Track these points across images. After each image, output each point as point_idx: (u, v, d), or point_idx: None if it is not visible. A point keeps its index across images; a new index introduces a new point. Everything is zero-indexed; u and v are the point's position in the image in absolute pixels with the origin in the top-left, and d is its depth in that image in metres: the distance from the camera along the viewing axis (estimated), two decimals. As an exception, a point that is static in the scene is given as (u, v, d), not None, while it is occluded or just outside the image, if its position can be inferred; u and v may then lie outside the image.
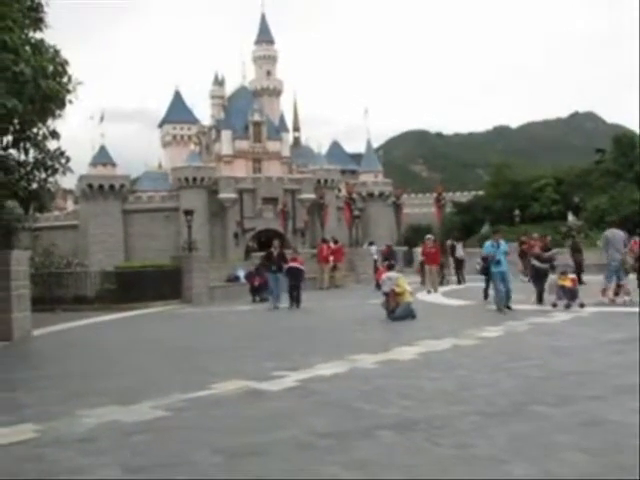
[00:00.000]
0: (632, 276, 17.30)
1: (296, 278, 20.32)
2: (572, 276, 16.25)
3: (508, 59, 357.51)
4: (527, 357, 9.48)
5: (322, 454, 5.29)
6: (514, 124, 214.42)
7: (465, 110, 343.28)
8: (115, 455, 5.47)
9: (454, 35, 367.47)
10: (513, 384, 7.68)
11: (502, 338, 11.57)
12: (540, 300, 16.91)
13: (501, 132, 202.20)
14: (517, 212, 59.97)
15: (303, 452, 5.37)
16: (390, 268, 17.32)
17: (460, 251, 29.84)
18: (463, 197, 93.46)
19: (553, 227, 53.94)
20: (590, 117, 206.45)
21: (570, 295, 15.78)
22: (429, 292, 23.08)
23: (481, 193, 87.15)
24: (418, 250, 33.32)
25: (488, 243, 16.96)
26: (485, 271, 17.28)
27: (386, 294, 15.46)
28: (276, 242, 22.34)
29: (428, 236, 26.30)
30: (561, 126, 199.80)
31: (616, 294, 16.66)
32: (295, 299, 20.20)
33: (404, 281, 15.98)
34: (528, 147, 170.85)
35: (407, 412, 6.56)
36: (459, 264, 29.18)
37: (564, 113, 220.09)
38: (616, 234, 16.93)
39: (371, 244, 40.57)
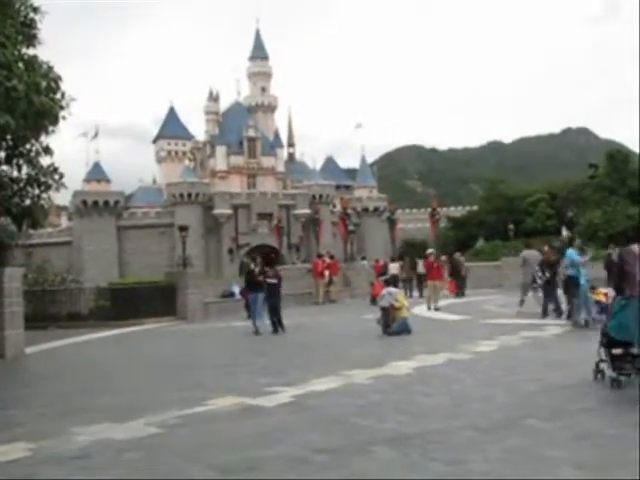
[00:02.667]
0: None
1: (272, 294, 17.78)
2: (605, 290, 15.28)
3: (502, 75, 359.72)
4: (521, 371, 9.48)
5: (318, 470, 5.26)
6: (507, 139, 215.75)
7: (459, 126, 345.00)
8: (110, 473, 5.43)
9: (448, 52, 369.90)
10: (508, 398, 7.67)
11: (496, 352, 11.56)
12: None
13: (495, 147, 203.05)
14: (511, 227, 60.01)
15: (299, 468, 5.34)
16: (387, 284, 17.36)
17: (421, 267, 31.43)
18: (457, 212, 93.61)
19: (547, 242, 53.99)
20: (583, 132, 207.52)
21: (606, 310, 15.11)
22: (436, 309, 21.93)
23: (475, 208, 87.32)
24: (394, 265, 33.16)
25: (573, 251, 15.35)
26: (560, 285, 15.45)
27: (384, 309, 15.45)
28: (258, 258, 19.80)
29: (430, 251, 25.53)
30: (554, 141, 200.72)
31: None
32: (277, 319, 17.62)
33: (403, 296, 16.08)
34: (521, 162, 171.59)
35: (402, 427, 6.54)
36: (419, 279, 31.61)
37: (557, 129, 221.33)
38: (532, 255, 18.76)
39: (363, 259, 40.58)
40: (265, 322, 17.77)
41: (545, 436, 5.97)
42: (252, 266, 18.97)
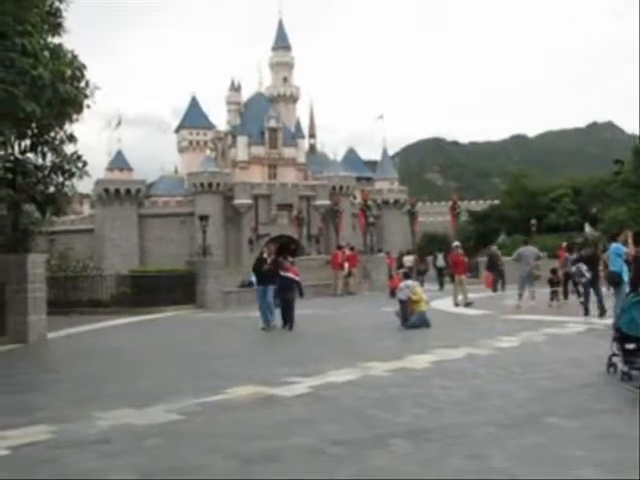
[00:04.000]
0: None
1: (288, 290, 16.16)
2: None
3: (526, 68, 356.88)
4: (542, 368, 9.41)
5: (335, 461, 5.28)
6: (531, 133, 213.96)
7: (482, 119, 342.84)
8: (129, 458, 5.49)
9: (472, 43, 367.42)
10: (528, 395, 7.63)
11: (517, 348, 11.49)
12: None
13: (518, 141, 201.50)
14: (533, 222, 59.56)
15: (316, 459, 5.36)
16: (406, 277, 17.28)
17: (440, 261, 32.90)
18: (478, 206, 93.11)
19: (569, 238, 53.56)
20: (609, 127, 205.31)
21: None
22: (456, 304, 20.93)
23: (497, 202, 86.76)
24: (408, 258, 32.71)
25: (618, 245, 14.69)
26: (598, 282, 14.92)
27: (402, 302, 15.42)
28: (271, 246, 17.63)
29: (456, 244, 24.05)
30: (579, 136, 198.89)
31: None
32: (287, 316, 16.08)
33: (421, 290, 15.97)
34: (545, 157, 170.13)
35: (420, 421, 6.53)
36: (439, 272, 32.51)
37: (582, 123, 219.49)
38: (528, 250, 19.95)
39: (379, 251, 40.62)
40: (275, 317, 16.30)
41: (565, 434, 5.93)
42: (264, 255, 16.93)
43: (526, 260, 19.39)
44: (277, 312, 16.46)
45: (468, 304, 20.77)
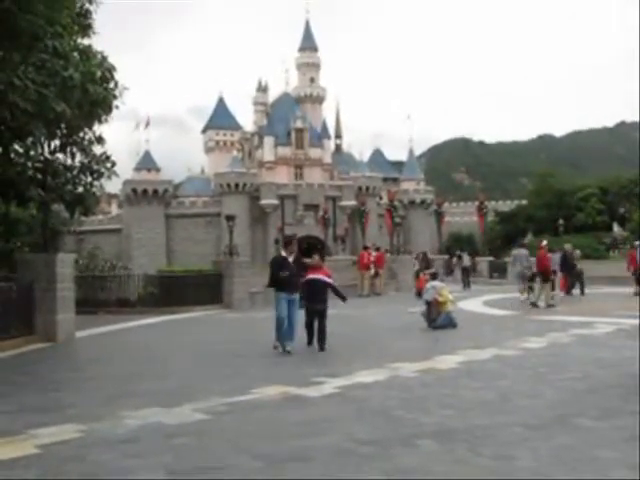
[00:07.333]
0: None
1: (319, 297, 12.47)
2: None
3: (554, 66, 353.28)
4: (571, 369, 9.32)
5: (363, 461, 5.26)
6: (559, 133, 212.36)
7: (509, 118, 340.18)
8: (157, 457, 5.52)
9: (498, 42, 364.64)
10: (556, 396, 7.55)
11: (545, 349, 11.38)
12: None
13: (545, 141, 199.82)
14: (561, 222, 59.06)
15: (344, 458, 5.34)
16: (433, 277, 17.21)
17: (466, 260, 34.08)
18: (505, 206, 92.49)
19: (597, 238, 53.05)
20: (637, 126, 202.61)
21: None
22: (543, 306, 19.73)
23: (524, 202, 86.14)
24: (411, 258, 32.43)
25: None
26: None
27: (428, 303, 15.36)
28: (292, 245, 12.72)
29: (544, 242, 22.02)
30: (607, 135, 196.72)
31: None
32: (319, 333, 12.33)
33: (447, 290, 15.89)
34: (573, 156, 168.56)
35: (448, 421, 6.50)
36: (465, 272, 33.52)
37: (610, 122, 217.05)
38: (520, 252, 22.12)
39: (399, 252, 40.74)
40: (295, 337, 12.40)
41: (595, 435, 5.87)
42: (283, 253, 12.76)
43: (520, 261, 21.48)
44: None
45: (550, 306, 19.76)
